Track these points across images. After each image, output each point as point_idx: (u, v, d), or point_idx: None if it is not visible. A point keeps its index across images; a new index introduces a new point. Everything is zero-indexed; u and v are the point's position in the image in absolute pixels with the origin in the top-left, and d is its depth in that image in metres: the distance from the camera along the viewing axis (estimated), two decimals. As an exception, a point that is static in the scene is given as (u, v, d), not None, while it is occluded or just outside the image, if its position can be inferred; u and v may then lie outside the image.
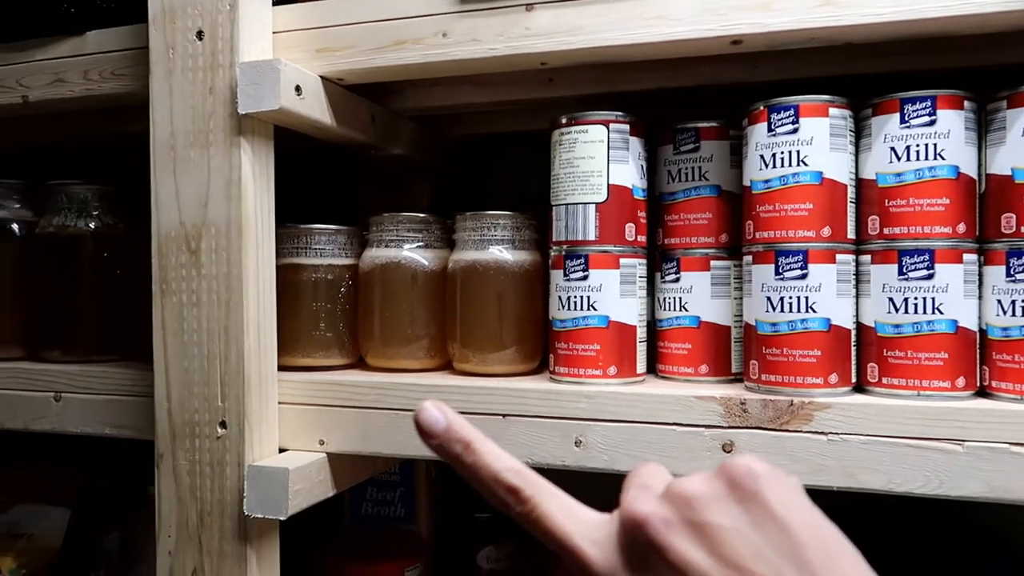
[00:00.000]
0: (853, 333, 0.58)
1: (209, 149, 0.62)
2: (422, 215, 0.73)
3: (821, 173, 0.57)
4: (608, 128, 0.63)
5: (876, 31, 0.54)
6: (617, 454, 0.58)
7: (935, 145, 0.56)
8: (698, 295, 0.65)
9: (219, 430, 0.62)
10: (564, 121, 0.64)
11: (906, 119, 0.56)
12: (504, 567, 0.88)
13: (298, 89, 0.62)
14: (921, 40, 0.57)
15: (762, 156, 0.59)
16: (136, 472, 0.92)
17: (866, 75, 0.61)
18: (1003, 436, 0.51)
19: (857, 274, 0.59)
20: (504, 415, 0.61)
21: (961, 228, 0.56)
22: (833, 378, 0.57)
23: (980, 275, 0.57)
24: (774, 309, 0.58)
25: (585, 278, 0.63)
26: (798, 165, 0.57)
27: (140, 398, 0.69)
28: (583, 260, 0.63)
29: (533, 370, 0.70)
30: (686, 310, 0.65)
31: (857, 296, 0.59)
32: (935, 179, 0.56)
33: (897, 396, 0.56)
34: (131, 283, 0.72)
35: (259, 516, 0.61)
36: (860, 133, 0.59)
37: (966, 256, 0.56)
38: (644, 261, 0.65)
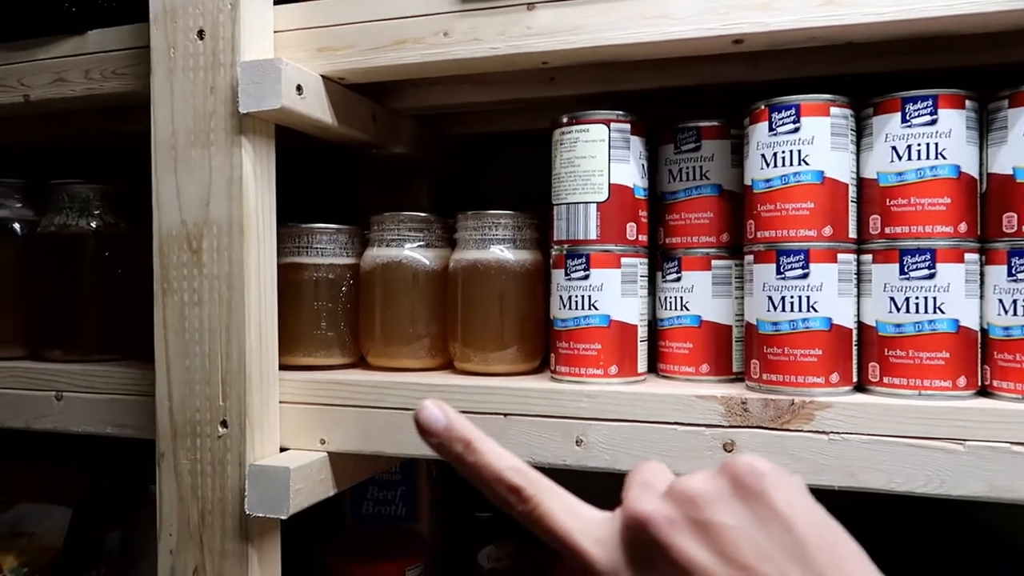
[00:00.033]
0: (854, 332, 0.58)
1: (210, 148, 0.62)
2: (423, 214, 0.73)
3: (822, 172, 0.57)
4: (609, 127, 0.63)
5: (877, 30, 0.54)
6: (618, 453, 0.58)
7: (936, 144, 0.56)
8: (699, 294, 0.65)
9: (220, 429, 0.62)
10: (565, 120, 0.64)
11: (907, 118, 0.56)
12: (505, 566, 0.88)
13: (299, 88, 0.62)
14: (922, 39, 0.57)
15: (763, 155, 0.59)
16: (137, 471, 0.92)
17: (867, 74, 0.61)
18: (1004, 435, 0.51)
19: (858, 273, 0.59)
20: (505, 414, 0.61)
21: (962, 227, 0.56)
22: (834, 377, 0.57)
23: (981, 274, 0.57)
24: (775, 308, 0.58)
25: (586, 277, 0.63)
26: (799, 164, 0.57)
27: (141, 397, 0.69)
28: (584, 259, 0.63)
29: (534, 369, 0.70)
30: (687, 309, 0.65)
31: (858, 295, 0.59)
32: (936, 178, 0.56)
33: (898, 395, 0.56)
34: (132, 282, 0.72)
35: (260, 515, 0.61)
36: (861, 132, 0.59)
37: (967, 255, 0.56)
38: (645, 260, 0.65)
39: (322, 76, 0.65)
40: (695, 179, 0.65)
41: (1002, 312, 0.56)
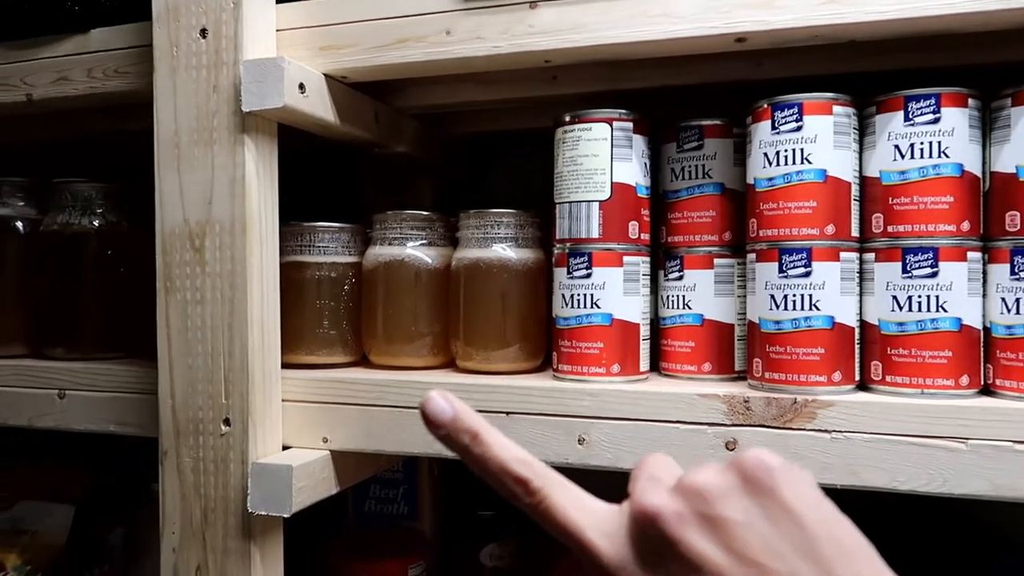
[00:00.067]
0: (857, 331, 0.58)
1: (213, 147, 0.62)
2: (425, 213, 0.73)
3: (825, 171, 0.57)
4: (612, 126, 0.63)
5: (880, 28, 0.54)
6: (620, 452, 0.58)
7: (939, 143, 0.55)
8: (701, 293, 0.65)
9: (223, 427, 0.63)
10: (568, 119, 0.64)
11: (910, 117, 0.56)
12: (507, 564, 0.88)
13: (302, 87, 0.62)
14: (925, 37, 0.57)
15: (766, 154, 0.59)
16: (140, 469, 0.92)
17: (870, 73, 0.61)
18: (1006, 434, 0.51)
19: (861, 272, 0.59)
20: (508, 413, 0.61)
21: (965, 226, 0.56)
22: (837, 376, 0.57)
23: (984, 273, 0.57)
24: (777, 307, 0.58)
25: (588, 276, 0.63)
26: (802, 163, 0.57)
27: (144, 395, 0.69)
28: (586, 258, 0.63)
29: (536, 368, 0.70)
30: (689, 308, 0.65)
31: (861, 294, 0.59)
32: (939, 177, 0.56)
33: (901, 394, 0.56)
34: (135, 281, 0.72)
35: (263, 513, 0.61)
36: (864, 131, 0.59)
37: (970, 254, 0.56)
38: (647, 259, 0.65)
39: (324, 75, 0.65)
40: (697, 178, 0.65)
41: (1005, 311, 0.56)
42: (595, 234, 0.63)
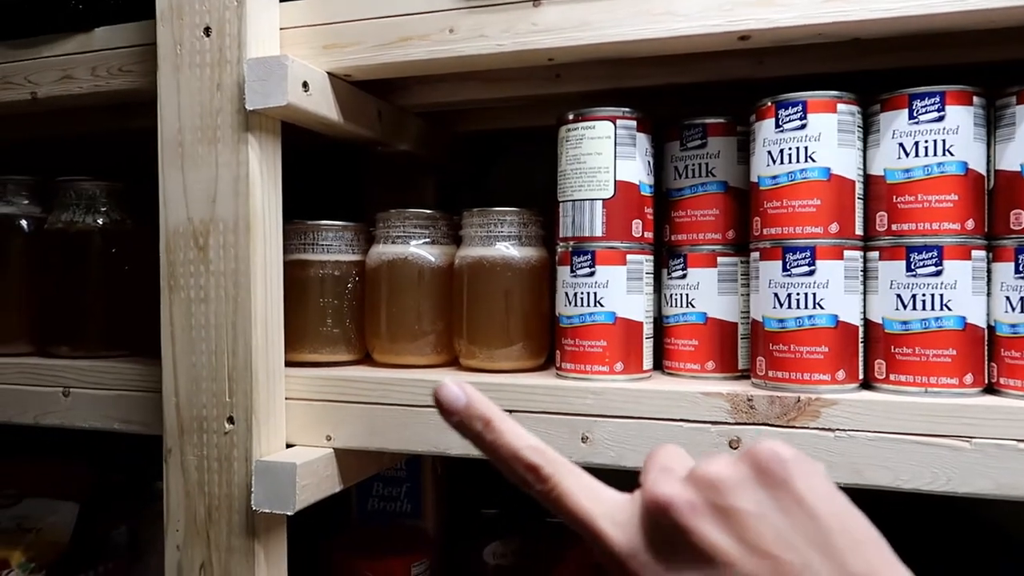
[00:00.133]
0: (860, 330, 0.58)
1: (217, 145, 0.62)
2: (429, 211, 0.73)
3: (829, 169, 0.57)
4: (615, 124, 0.63)
5: (884, 26, 0.54)
6: (624, 450, 0.58)
7: (944, 141, 0.55)
8: (705, 291, 0.65)
9: (227, 425, 0.63)
10: (571, 117, 0.64)
11: (915, 115, 0.56)
12: (510, 562, 0.88)
13: (305, 85, 0.62)
14: (929, 35, 0.57)
15: (769, 152, 0.59)
16: (144, 467, 0.93)
17: (873, 71, 0.61)
18: (1011, 433, 0.51)
19: (865, 270, 0.59)
20: (511, 411, 0.61)
21: (970, 224, 0.56)
22: (840, 375, 0.57)
23: (988, 272, 0.57)
24: (781, 305, 0.58)
25: (592, 274, 0.63)
26: (806, 161, 0.57)
27: (148, 393, 0.69)
28: (590, 256, 0.63)
29: (539, 366, 0.70)
30: (693, 306, 0.65)
31: (865, 292, 0.59)
32: (944, 175, 0.55)
33: (904, 393, 0.56)
34: (139, 279, 0.72)
35: (267, 511, 0.61)
36: (868, 129, 0.59)
37: (974, 252, 0.56)
38: (651, 257, 0.65)
39: (328, 73, 0.65)
40: (701, 176, 0.65)
41: (1009, 309, 0.55)
42: (598, 232, 0.63)
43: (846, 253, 0.57)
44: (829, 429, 0.54)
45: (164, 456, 0.65)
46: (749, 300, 0.62)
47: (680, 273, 0.66)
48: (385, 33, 0.62)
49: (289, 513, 0.61)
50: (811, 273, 0.57)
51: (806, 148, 0.57)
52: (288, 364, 0.67)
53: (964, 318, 0.55)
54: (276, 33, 0.65)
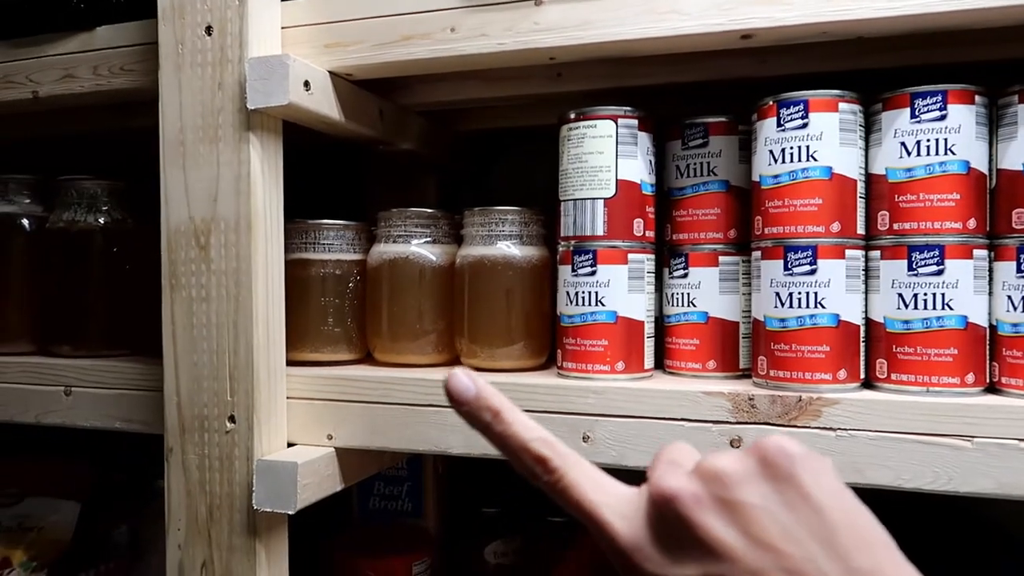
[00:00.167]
0: (862, 329, 0.58)
1: (218, 144, 0.62)
2: (430, 210, 0.73)
3: (830, 168, 0.57)
4: (617, 123, 0.62)
5: (887, 25, 0.54)
6: (625, 450, 0.58)
7: (945, 140, 0.55)
8: (706, 291, 0.65)
9: (228, 424, 0.63)
10: (573, 116, 0.64)
11: (916, 114, 0.56)
12: (511, 561, 0.88)
13: (307, 84, 0.62)
14: (932, 34, 0.56)
15: (771, 151, 0.58)
16: (146, 466, 0.93)
17: (875, 70, 0.61)
18: (1012, 432, 0.51)
19: (866, 270, 0.59)
20: (512, 410, 0.61)
21: (971, 224, 0.56)
22: (842, 374, 0.57)
23: (990, 271, 0.57)
24: (783, 305, 0.58)
25: (593, 274, 0.63)
26: (807, 160, 0.57)
27: (150, 392, 0.69)
28: (591, 255, 0.63)
29: (541, 365, 0.70)
30: (694, 306, 0.65)
31: (866, 292, 0.59)
32: (945, 174, 0.55)
33: (906, 392, 0.56)
34: (140, 278, 0.72)
35: (268, 510, 0.61)
36: (870, 128, 0.59)
37: (976, 252, 0.56)
38: (652, 257, 0.65)
39: (329, 72, 0.65)
40: (702, 175, 0.65)
41: (1011, 308, 0.55)
42: (600, 231, 0.63)
43: (848, 252, 0.57)
44: (830, 428, 0.54)
45: (165, 455, 0.65)
46: (750, 299, 0.62)
47: (681, 272, 0.66)
48: (386, 32, 0.62)
49: (290, 512, 0.61)
50: (813, 272, 0.57)
51: (808, 147, 0.57)
52: (289, 363, 0.67)
53: (966, 317, 0.55)
54: (277, 32, 0.65)
